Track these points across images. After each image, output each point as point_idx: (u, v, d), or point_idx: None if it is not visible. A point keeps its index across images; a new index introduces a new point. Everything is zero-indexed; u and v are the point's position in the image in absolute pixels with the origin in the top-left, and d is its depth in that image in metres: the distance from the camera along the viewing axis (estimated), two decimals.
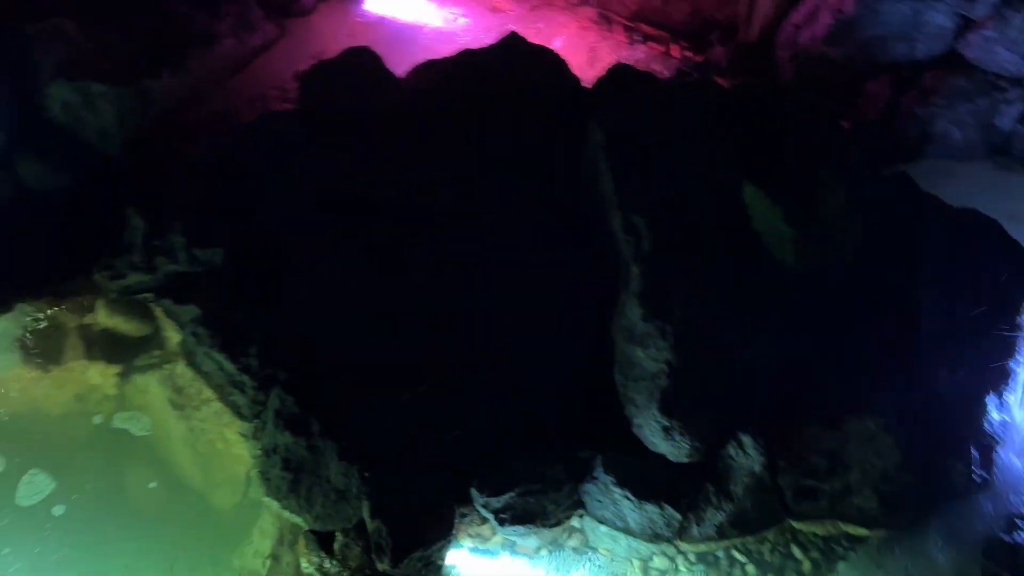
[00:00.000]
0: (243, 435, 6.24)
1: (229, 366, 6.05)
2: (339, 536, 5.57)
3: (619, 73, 6.90)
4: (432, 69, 7.24)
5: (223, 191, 6.72)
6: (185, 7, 7.34)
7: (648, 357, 5.40)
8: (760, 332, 5.51)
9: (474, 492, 5.54)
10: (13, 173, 7.03)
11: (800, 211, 5.51)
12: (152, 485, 6.34)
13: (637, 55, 8.59)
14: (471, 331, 6.04)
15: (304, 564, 5.61)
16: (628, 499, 5.37)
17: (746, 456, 5.37)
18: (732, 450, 5.39)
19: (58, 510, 6.20)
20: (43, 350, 6.82)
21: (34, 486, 6.25)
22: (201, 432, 6.50)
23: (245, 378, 6.04)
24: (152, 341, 6.79)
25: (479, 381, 5.88)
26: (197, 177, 6.77)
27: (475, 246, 6.26)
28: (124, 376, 6.72)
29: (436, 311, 5.94)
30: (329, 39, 8.06)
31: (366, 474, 5.58)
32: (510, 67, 7.16)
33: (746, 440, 5.34)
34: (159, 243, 6.50)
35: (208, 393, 6.43)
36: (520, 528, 5.57)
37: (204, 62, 7.35)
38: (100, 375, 6.74)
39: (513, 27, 8.62)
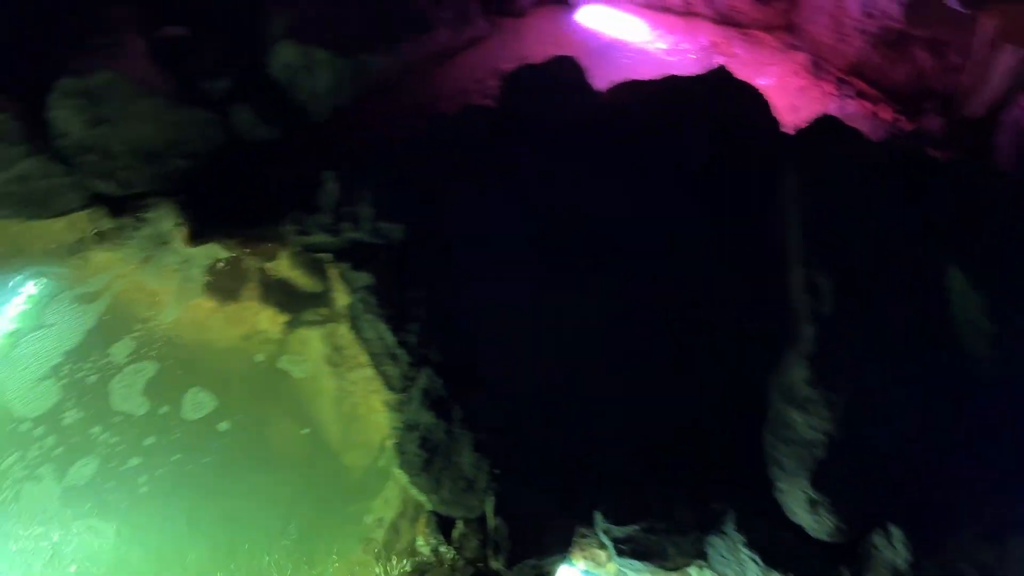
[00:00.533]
0: (387, 404, 6.49)
1: (390, 337, 6.30)
2: (460, 524, 5.70)
3: (826, 125, 6.66)
4: (634, 88, 7.25)
5: (416, 173, 7.02)
6: None
7: (807, 424, 5.18)
8: (932, 425, 5.18)
9: (598, 516, 5.51)
10: (227, 120, 7.64)
11: (1005, 307, 5.13)
12: (303, 431, 6.71)
13: (845, 110, 8.24)
14: (621, 351, 6.02)
15: (420, 542, 5.77)
16: (756, 563, 5.17)
17: (892, 549, 5.05)
18: (878, 539, 5.09)
19: (223, 426, 6.70)
20: (223, 288, 7.33)
21: (197, 403, 6.76)
22: (348, 393, 6.80)
23: (402, 352, 6.28)
24: (321, 299, 7.17)
25: (620, 404, 5.85)
26: (394, 156, 7.09)
27: (644, 268, 6.24)
28: (290, 326, 7.13)
29: (594, 326, 5.96)
30: (536, 43, 8.23)
31: (496, 471, 5.68)
32: (714, 99, 7.06)
33: (896, 532, 5.02)
34: (348, 210, 6.86)
35: (363, 358, 6.74)
36: (636, 563, 5.50)
37: (418, 47, 7.67)
38: (269, 320, 7.18)
39: (721, 60, 8.50)
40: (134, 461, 6.40)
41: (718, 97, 7.12)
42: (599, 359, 5.92)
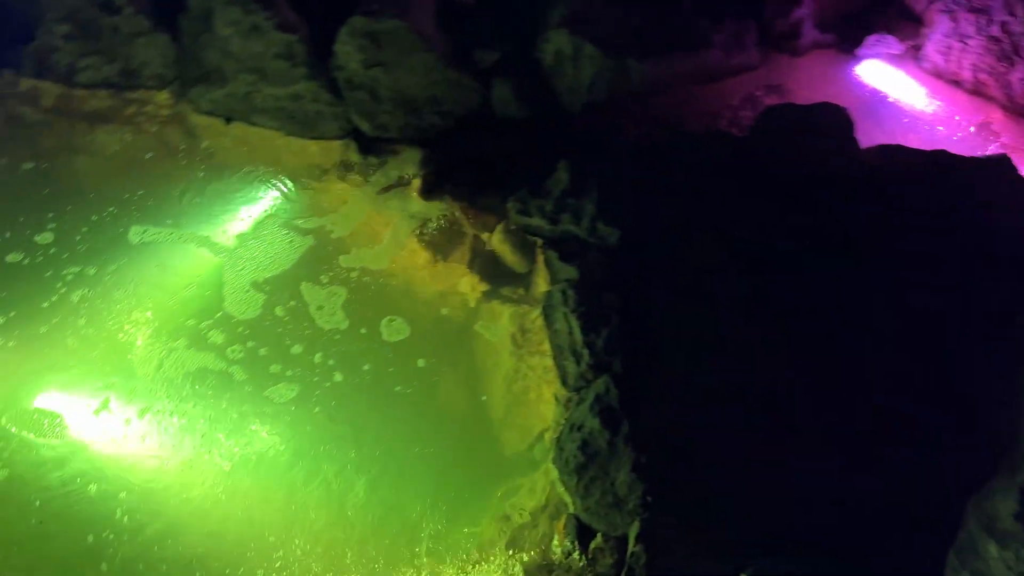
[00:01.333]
0: (557, 398, 6.54)
1: (578, 335, 6.32)
2: (599, 537, 5.63)
3: None
4: (900, 155, 6.80)
5: (644, 183, 6.99)
6: (691, 6, 7.63)
7: (1002, 561, 4.66)
8: None
9: None
10: (487, 90, 7.96)
11: None
12: (481, 398, 6.91)
13: None
14: (820, 417, 5.70)
15: (555, 543, 5.77)
16: None
17: None
18: None
19: (421, 362, 7.04)
20: (437, 244, 7.66)
21: (394, 329, 7.14)
22: (523, 375, 6.91)
23: (586, 352, 6.28)
24: (522, 279, 7.32)
25: (805, 469, 5.54)
26: (630, 162, 7.10)
27: (867, 346, 5.86)
28: (486, 296, 7.34)
29: (797, 394, 5.68)
30: (806, 85, 7.91)
31: (649, 499, 5.56)
32: (984, 188, 6.49)
33: None
34: (572, 202, 6.94)
35: (546, 347, 6.80)
36: None
37: (686, 62, 7.60)
38: (469, 286, 7.43)
39: (1000, 148, 7.82)
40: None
41: (989, 186, 6.53)
42: (791, 419, 5.63)
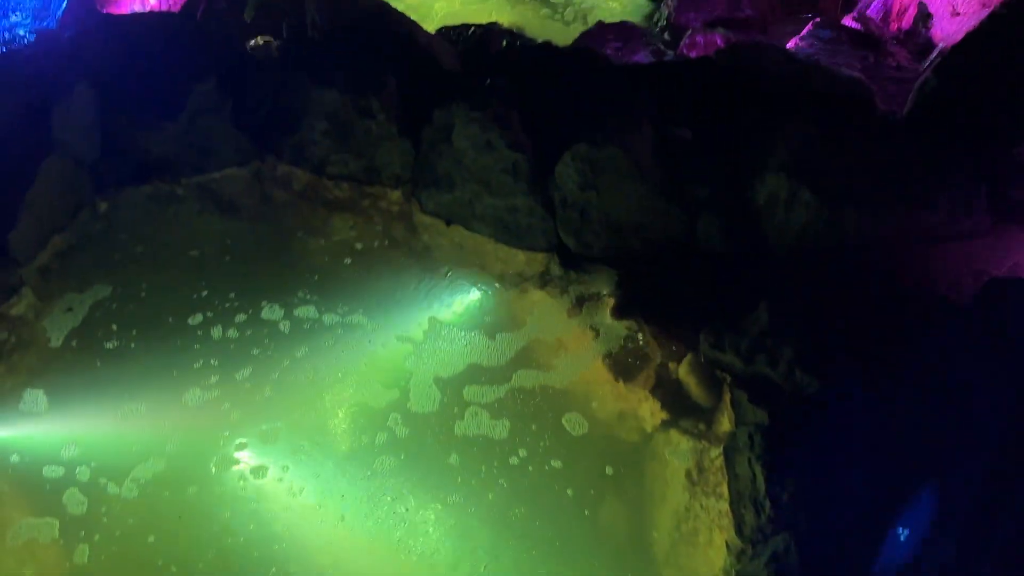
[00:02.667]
0: (729, 546, 6.27)
1: (762, 484, 6.10)
2: None
3: None
4: None
5: (850, 338, 6.76)
6: (921, 165, 7.47)
7: None
8: None
9: None
10: (693, 221, 8.08)
11: None
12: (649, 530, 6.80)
13: None
14: None
15: None
16: None
17: None
18: None
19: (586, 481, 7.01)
20: (622, 365, 7.63)
21: (566, 443, 7.24)
22: (694, 515, 6.69)
23: (767, 504, 6.03)
24: (706, 414, 7.19)
25: None
26: (837, 313, 6.91)
27: None
28: (665, 425, 7.24)
29: None
30: None
31: None
32: None
33: None
34: (769, 343, 6.82)
35: (723, 489, 6.59)
36: None
37: (908, 220, 7.42)
38: (649, 411, 7.33)
39: None
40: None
41: None
42: None
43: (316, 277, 8.06)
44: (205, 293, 7.82)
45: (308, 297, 7.83)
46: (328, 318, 7.75)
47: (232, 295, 7.84)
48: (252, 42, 9.49)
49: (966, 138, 7.66)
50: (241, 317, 7.70)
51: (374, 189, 8.40)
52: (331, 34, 9.05)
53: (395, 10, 9.69)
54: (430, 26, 11.93)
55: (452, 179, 8.09)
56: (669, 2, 13.46)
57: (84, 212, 8.07)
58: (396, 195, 8.42)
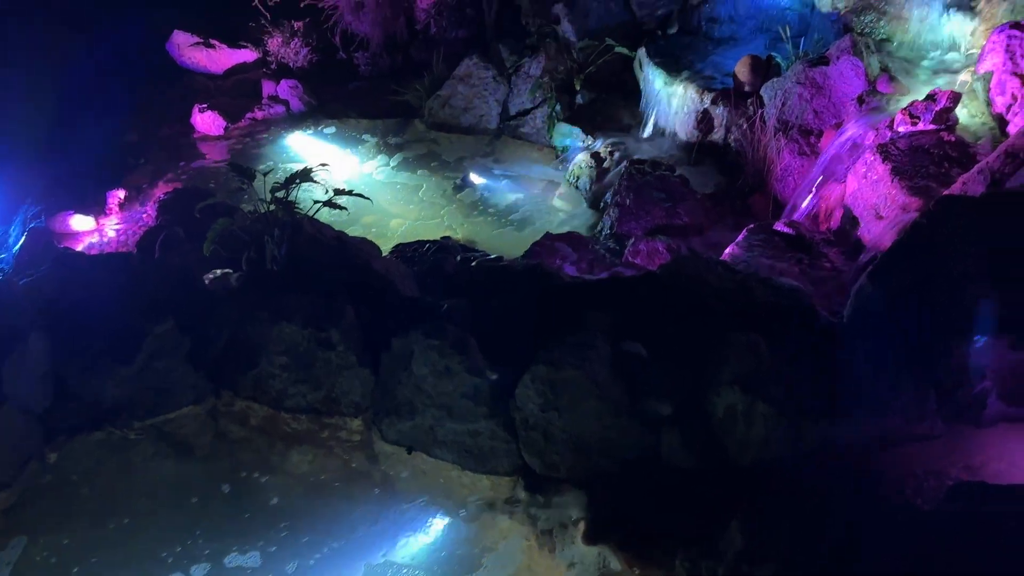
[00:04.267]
0: None
1: None
2: None
3: None
4: None
5: (822, 559, 6.64)
6: (871, 372, 7.71)
7: None
8: None
9: None
10: (658, 439, 8.13)
11: None
12: None
13: None
14: None
15: None
16: None
17: None
18: None
19: None
20: None
21: None
22: None
23: None
24: None
25: None
26: (804, 526, 6.83)
27: None
28: None
29: None
30: (993, 459, 7.52)
31: None
32: None
33: None
34: (745, 569, 6.63)
35: None
36: None
37: (864, 427, 7.56)
38: None
39: None
40: None
41: None
42: None
43: (272, 518, 7.76)
44: (156, 544, 7.42)
45: (262, 542, 7.48)
46: (283, 566, 7.37)
47: (187, 543, 7.47)
48: (210, 275, 9.69)
49: (908, 343, 8.00)
50: (199, 569, 7.28)
51: (334, 419, 8.29)
52: (290, 266, 9.29)
53: (353, 239, 10.08)
54: (388, 243, 12.40)
55: (413, 406, 8.06)
56: (611, 212, 14.26)
57: (32, 465, 7.75)
58: (356, 423, 8.31)
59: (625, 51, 17.34)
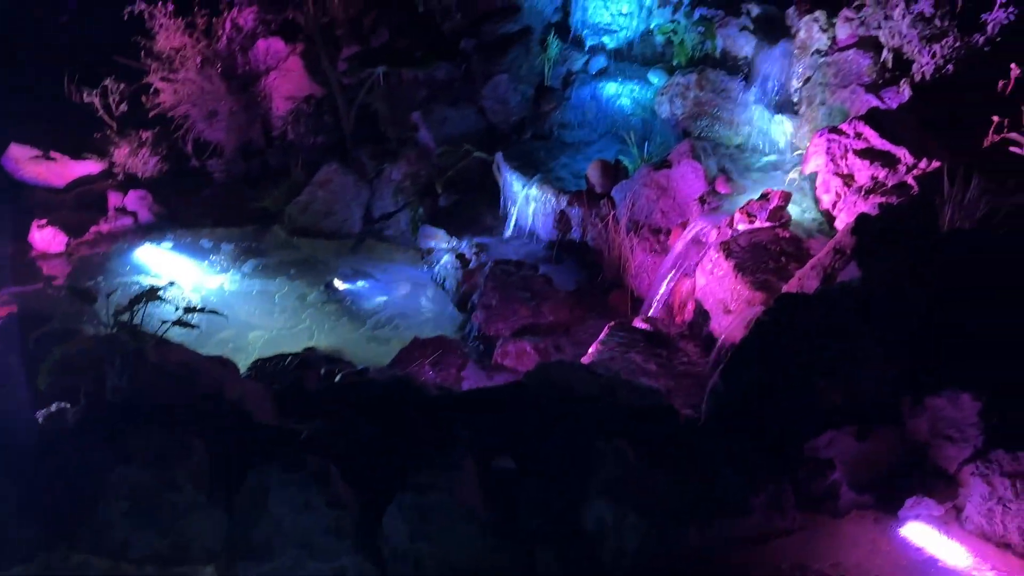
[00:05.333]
0: None
1: None
2: None
3: None
4: None
5: None
6: (731, 472, 7.91)
7: None
8: None
9: None
10: (532, 558, 7.95)
11: None
12: None
13: None
14: None
15: None
16: None
17: None
18: None
19: None
20: None
21: None
22: None
23: None
24: None
25: None
26: None
27: None
28: None
29: None
30: (850, 547, 7.81)
31: None
32: None
33: None
34: None
35: None
36: None
37: (729, 528, 7.66)
38: None
39: None
40: None
41: None
42: None
43: None
44: None
45: None
46: None
47: None
48: (44, 411, 8.87)
49: (764, 439, 8.31)
50: None
51: (183, 568, 7.58)
52: (133, 398, 8.64)
53: (204, 363, 9.52)
54: (245, 359, 11.85)
55: (271, 547, 7.51)
56: (478, 313, 14.33)
57: None
58: (209, 571, 7.64)
59: (483, 155, 17.86)
